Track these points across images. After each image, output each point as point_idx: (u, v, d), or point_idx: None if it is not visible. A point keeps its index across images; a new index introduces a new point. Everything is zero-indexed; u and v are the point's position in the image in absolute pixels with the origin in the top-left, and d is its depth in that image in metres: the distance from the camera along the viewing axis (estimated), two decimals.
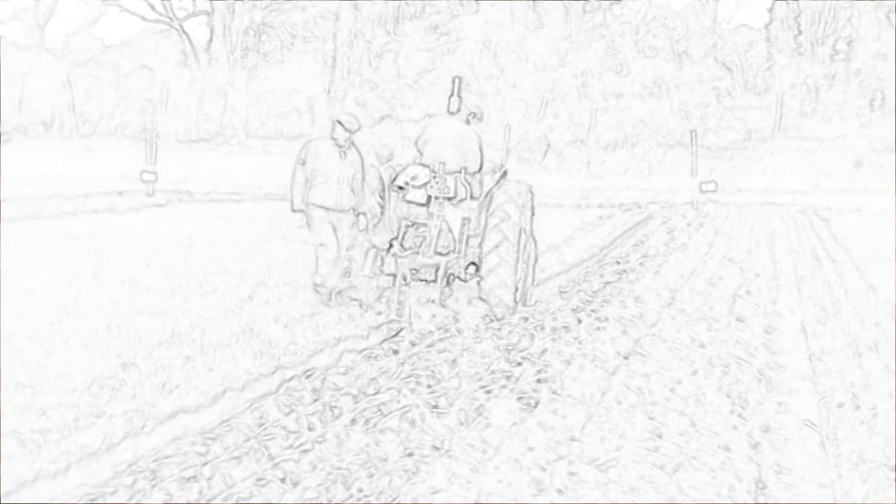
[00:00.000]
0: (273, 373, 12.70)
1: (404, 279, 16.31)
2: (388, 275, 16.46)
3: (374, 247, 16.55)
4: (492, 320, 16.13)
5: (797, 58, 44.12)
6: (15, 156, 39.07)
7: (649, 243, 26.86)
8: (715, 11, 44.92)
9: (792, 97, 43.82)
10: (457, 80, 17.69)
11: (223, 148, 43.86)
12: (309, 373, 12.63)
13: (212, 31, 44.97)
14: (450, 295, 17.22)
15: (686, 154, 42.76)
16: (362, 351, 13.81)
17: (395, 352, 13.84)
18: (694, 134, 42.60)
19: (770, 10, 44.66)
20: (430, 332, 15.20)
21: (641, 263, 23.11)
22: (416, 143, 17.47)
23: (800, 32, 44.20)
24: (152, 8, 44.82)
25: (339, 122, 16.98)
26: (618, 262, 23.17)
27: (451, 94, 17.58)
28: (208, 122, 44.18)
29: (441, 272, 16.61)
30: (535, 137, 43.66)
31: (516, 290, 17.04)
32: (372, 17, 44.85)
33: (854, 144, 42.09)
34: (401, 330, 15.39)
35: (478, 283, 17.01)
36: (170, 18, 44.88)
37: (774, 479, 9.52)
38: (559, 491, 9.00)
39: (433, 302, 16.77)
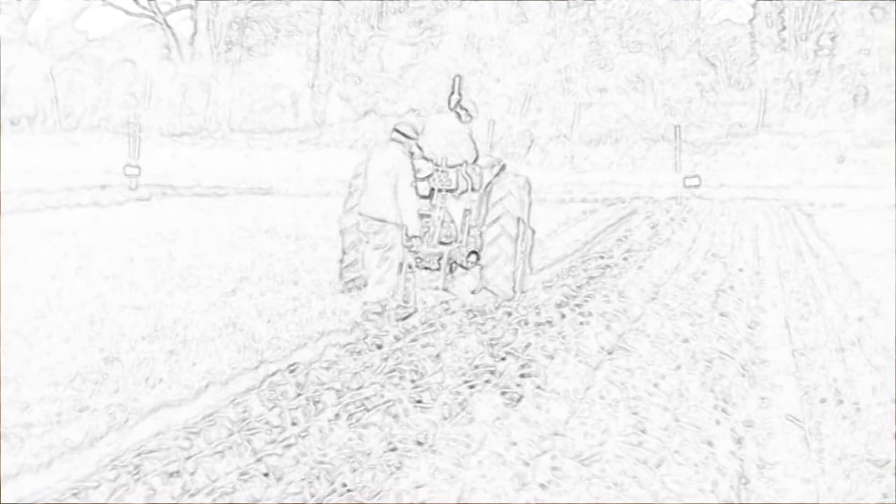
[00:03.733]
0: (256, 367, 12.69)
1: (410, 267, 16.78)
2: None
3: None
4: (475, 315, 16.17)
5: (781, 53, 44.20)
6: None
7: (633, 238, 26.88)
8: (699, 6, 44.99)
9: (775, 92, 43.90)
10: (457, 79, 18.36)
11: (207, 142, 43.80)
12: (292, 367, 12.61)
13: (195, 25, 44.92)
14: (452, 281, 17.92)
15: (670, 149, 42.83)
16: (346, 345, 13.80)
17: (379, 346, 13.83)
18: (678, 129, 42.67)
19: (754, 6, 44.73)
20: (415, 326, 15.20)
21: (625, 258, 23.12)
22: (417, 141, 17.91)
23: (783, 28, 44.28)
24: (136, 2, 44.74)
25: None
26: (601, 257, 23.17)
27: (452, 92, 18.21)
28: (192, 116, 44.13)
29: (444, 260, 17.43)
30: (519, 132, 43.68)
31: (514, 276, 17.66)
32: (356, 12, 44.83)
33: (837, 139, 42.19)
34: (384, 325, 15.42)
35: (479, 270, 17.78)
36: (153, 12, 44.81)
37: (757, 474, 9.54)
38: (542, 486, 9.01)
39: (437, 288, 17.18)
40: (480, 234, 17.69)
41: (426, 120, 18.14)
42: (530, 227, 18.33)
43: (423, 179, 17.44)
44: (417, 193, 17.35)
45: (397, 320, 15.66)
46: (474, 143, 17.86)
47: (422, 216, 17.49)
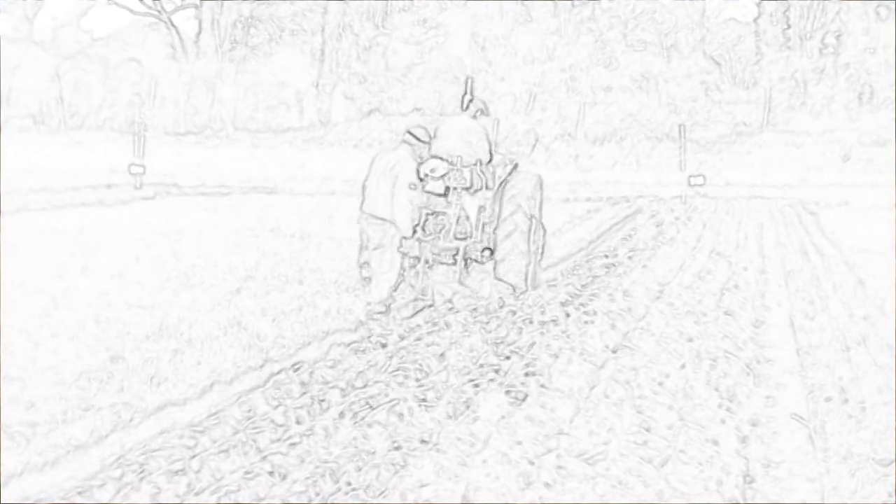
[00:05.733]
0: (261, 366, 12.70)
1: (427, 262, 17.47)
2: (412, 258, 17.56)
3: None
4: (480, 314, 16.21)
5: (786, 52, 44.16)
6: (3, 149, 38.99)
7: (637, 237, 26.87)
8: (703, 5, 44.94)
9: (780, 91, 43.85)
10: (469, 80, 19.21)
11: (211, 141, 43.77)
12: (297, 366, 12.62)
13: (200, 24, 44.91)
14: (467, 276, 18.35)
15: (674, 148, 42.77)
16: (350, 344, 13.80)
17: (384, 345, 13.83)
18: (682, 128, 42.62)
19: (759, 4, 44.69)
20: (419, 325, 15.21)
21: (630, 257, 23.12)
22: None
23: (788, 26, 44.24)
24: (141, 1, 44.74)
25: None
26: (606, 256, 23.17)
27: (464, 93, 18.94)
28: (196, 116, 44.12)
29: (459, 255, 17.99)
30: (524, 131, 43.65)
31: (527, 271, 18.31)
32: (360, 10, 44.82)
33: (842, 138, 42.11)
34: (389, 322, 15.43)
35: (493, 265, 18.38)
36: (158, 11, 44.81)
37: (762, 473, 9.53)
38: (547, 485, 9.01)
39: (454, 283, 17.57)
40: (494, 231, 18.23)
41: (441, 122, 18.53)
42: (542, 224, 19.04)
43: (438, 178, 17.81)
44: (429, 192, 17.69)
45: (412, 314, 15.88)
46: (489, 143, 18.30)
47: (437, 213, 18.01)
